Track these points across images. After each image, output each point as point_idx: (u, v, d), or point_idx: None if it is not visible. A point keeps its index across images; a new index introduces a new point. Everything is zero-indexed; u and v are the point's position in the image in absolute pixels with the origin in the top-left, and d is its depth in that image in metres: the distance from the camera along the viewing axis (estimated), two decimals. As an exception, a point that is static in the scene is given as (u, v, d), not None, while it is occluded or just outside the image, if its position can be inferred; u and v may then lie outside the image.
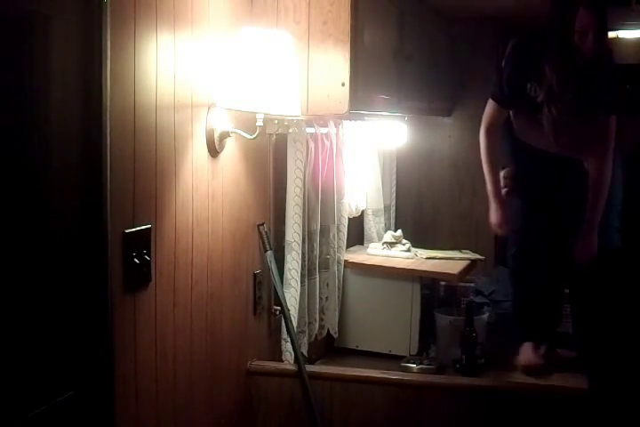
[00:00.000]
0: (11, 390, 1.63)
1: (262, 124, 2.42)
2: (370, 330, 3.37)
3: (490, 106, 2.91)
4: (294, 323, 2.86)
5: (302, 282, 2.98)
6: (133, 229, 2.02)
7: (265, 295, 2.85)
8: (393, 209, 4.26)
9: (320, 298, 3.19)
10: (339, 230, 3.29)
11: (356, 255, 3.53)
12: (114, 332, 1.94)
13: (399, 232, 3.65)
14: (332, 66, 2.58)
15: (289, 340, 2.83)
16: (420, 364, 3.07)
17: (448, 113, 4.34)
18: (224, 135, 2.46)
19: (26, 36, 1.65)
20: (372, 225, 3.89)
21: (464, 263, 3.51)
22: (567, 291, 3.07)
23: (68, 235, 1.81)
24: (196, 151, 2.35)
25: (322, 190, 3.09)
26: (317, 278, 3.15)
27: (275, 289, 2.83)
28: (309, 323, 3.09)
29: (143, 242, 2.07)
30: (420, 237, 4.08)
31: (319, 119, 2.99)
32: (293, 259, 2.90)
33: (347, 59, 2.57)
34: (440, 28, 4.01)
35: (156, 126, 2.12)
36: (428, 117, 4.24)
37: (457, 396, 2.67)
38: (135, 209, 2.03)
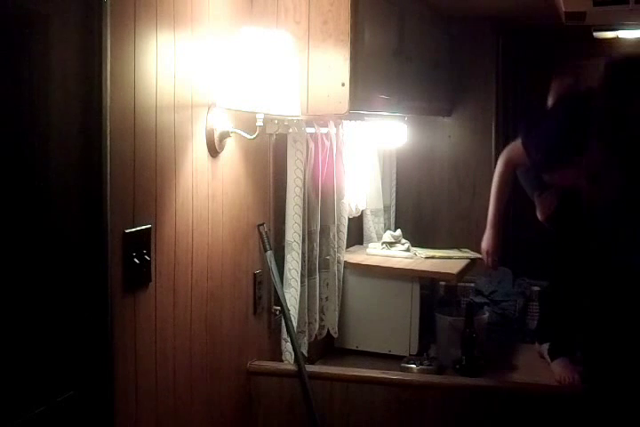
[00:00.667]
0: (11, 390, 1.63)
1: (262, 124, 2.42)
2: (370, 330, 3.37)
3: (518, 148, 2.76)
4: (294, 323, 2.86)
5: (302, 282, 2.98)
6: (133, 229, 2.02)
7: (265, 295, 2.85)
8: (393, 209, 4.27)
9: (320, 298, 3.19)
10: (339, 230, 3.29)
11: (356, 255, 3.53)
12: (114, 332, 1.94)
13: (398, 232, 3.65)
14: (332, 66, 2.58)
15: (289, 340, 2.83)
16: (420, 364, 3.07)
17: (448, 113, 4.34)
18: (224, 135, 2.46)
19: (25, 35, 1.65)
20: (372, 225, 3.89)
21: (463, 263, 3.50)
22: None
23: (68, 235, 1.81)
24: (196, 151, 2.35)
25: (322, 190, 3.09)
26: (317, 278, 3.15)
27: (275, 289, 2.83)
28: (309, 323, 3.09)
29: (143, 242, 2.07)
30: (419, 237, 4.09)
31: (319, 119, 2.99)
32: (293, 259, 2.90)
33: (347, 59, 2.57)
34: (440, 27, 4.01)
35: (156, 126, 2.12)
36: (428, 117, 4.24)
37: (457, 396, 2.67)
38: (135, 209, 2.03)
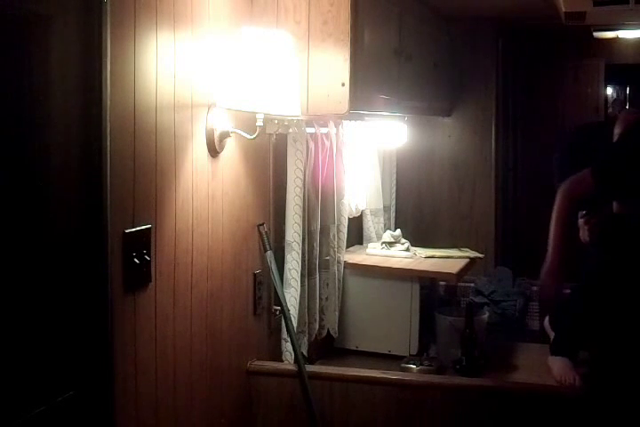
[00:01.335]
0: (11, 390, 1.63)
1: (262, 124, 2.42)
2: (370, 330, 3.37)
3: (585, 180, 2.59)
4: (294, 323, 2.86)
5: (302, 282, 2.98)
6: (133, 229, 2.02)
7: (265, 295, 2.85)
8: (393, 209, 4.27)
9: (320, 298, 3.19)
10: (339, 230, 3.29)
11: (356, 255, 3.53)
12: (114, 332, 1.94)
13: (398, 232, 3.65)
14: (332, 66, 2.58)
15: (289, 340, 2.83)
16: (420, 365, 3.07)
17: (448, 113, 4.34)
18: (224, 135, 2.46)
19: (26, 36, 1.65)
20: (371, 225, 3.89)
21: (463, 262, 3.50)
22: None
23: (68, 235, 1.81)
24: (196, 151, 2.35)
25: (322, 190, 3.09)
26: (317, 278, 3.15)
27: (275, 289, 2.83)
28: (309, 323, 3.09)
29: (143, 242, 2.07)
30: (419, 237, 4.09)
31: (319, 119, 2.99)
32: (293, 259, 2.90)
33: (347, 59, 2.57)
34: (440, 27, 4.01)
35: (156, 126, 2.12)
36: (428, 117, 4.25)
37: (457, 396, 2.67)
38: (135, 209, 2.03)
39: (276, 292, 2.83)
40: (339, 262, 3.30)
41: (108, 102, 1.86)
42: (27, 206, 1.68)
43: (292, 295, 2.89)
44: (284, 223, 2.91)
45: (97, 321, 1.88)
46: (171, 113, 2.19)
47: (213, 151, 2.44)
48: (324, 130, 3.10)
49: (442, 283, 3.93)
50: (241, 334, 2.69)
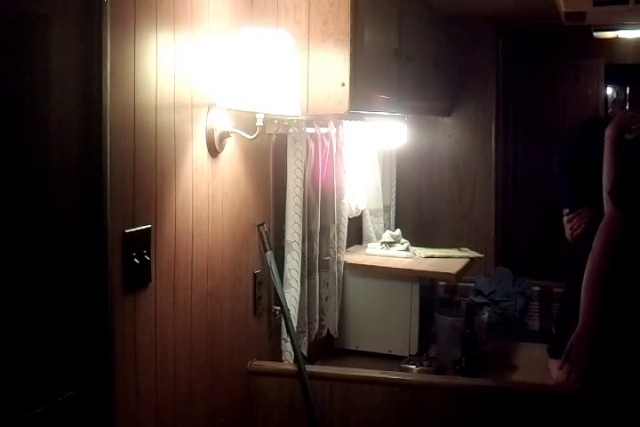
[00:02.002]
0: (11, 390, 1.63)
1: (262, 124, 2.42)
2: (370, 330, 3.37)
3: (615, 218, 2.45)
4: (294, 323, 2.86)
5: (302, 282, 2.98)
6: (133, 229, 2.02)
7: (265, 295, 2.85)
8: (393, 209, 4.27)
9: (320, 298, 3.19)
10: (339, 230, 3.29)
11: (355, 255, 3.53)
12: (114, 332, 1.94)
13: (398, 232, 3.65)
14: (332, 66, 2.58)
15: (289, 340, 2.83)
16: (420, 365, 3.07)
17: (448, 113, 4.34)
18: (224, 135, 2.46)
19: (26, 36, 1.65)
20: (371, 225, 3.89)
21: (463, 262, 3.49)
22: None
23: (68, 235, 1.81)
24: (196, 151, 2.35)
25: (322, 190, 3.09)
26: (317, 278, 3.15)
27: (275, 289, 2.83)
28: (309, 323, 3.09)
29: (143, 242, 2.07)
30: (419, 237, 4.09)
31: (319, 119, 2.99)
32: (293, 259, 2.90)
33: (347, 59, 2.57)
34: (440, 27, 4.01)
35: (156, 126, 2.12)
36: (428, 117, 4.25)
37: (457, 396, 2.67)
38: (135, 209, 2.03)
39: (275, 292, 2.83)
40: (339, 262, 3.30)
41: (108, 102, 1.86)
42: (26, 206, 1.68)
43: (291, 295, 2.89)
44: (284, 223, 2.92)
45: (97, 321, 1.88)
46: (171, 113, 2.19)
47: (213, 151, 2.44)
48: (323, 130, 3.10)
49: (442, 283, 3.94)
50: (241, 334, 2.69)
